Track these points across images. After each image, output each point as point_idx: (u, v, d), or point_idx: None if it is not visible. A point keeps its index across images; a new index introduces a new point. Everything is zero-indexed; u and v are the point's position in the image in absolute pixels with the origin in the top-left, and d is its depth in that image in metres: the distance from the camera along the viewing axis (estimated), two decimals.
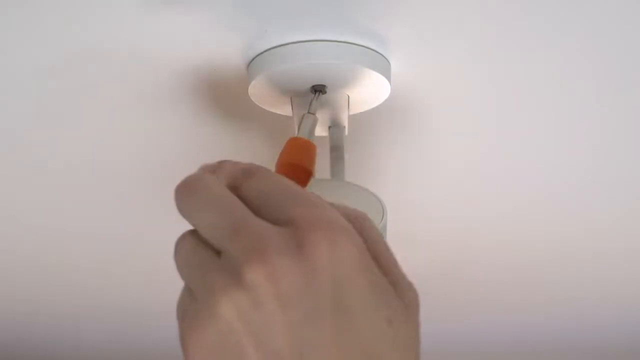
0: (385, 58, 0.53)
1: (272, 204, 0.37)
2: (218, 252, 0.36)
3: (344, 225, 0.36)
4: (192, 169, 0.73)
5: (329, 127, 0.58)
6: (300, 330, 0.34)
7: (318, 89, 0.54)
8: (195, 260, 0.37)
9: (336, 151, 0.57)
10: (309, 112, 0.53)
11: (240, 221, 0.36)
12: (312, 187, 0.51)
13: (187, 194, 0.38)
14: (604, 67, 0.56)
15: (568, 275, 0.95)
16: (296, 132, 0.56)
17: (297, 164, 0.50)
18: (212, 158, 0.68)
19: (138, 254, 0.88)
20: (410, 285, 0.37)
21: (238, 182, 0.38)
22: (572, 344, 1.26)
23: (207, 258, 0.36)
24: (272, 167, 0.68)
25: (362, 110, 0.58)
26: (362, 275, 0.36)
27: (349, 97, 0.55)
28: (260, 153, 0.66)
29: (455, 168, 0.70)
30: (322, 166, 0.55)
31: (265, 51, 0.52)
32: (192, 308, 0.36)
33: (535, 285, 0.99)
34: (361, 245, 0.36)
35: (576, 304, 1.07)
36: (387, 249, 0.38)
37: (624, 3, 0.49)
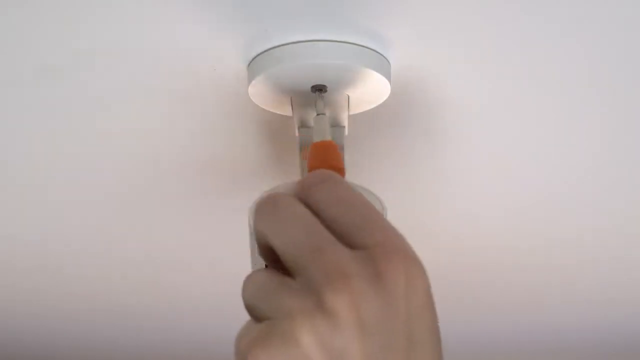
0: (385, 58, 0.53)
1: (350, 225, 0.37)
2: (292, 278, 0.36)
3: (416, 256, 0.37)
4: (191, 169, 0.73)
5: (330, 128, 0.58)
6: (376, 359, 0.34)
7: (318, 89, 0.54)
8: (268, 287, 0.36)
9: None
10: (318, 114, 0.53)
11: (322, 243, 0.36)
12: None
13: (268, 210, 0.38)
14: (604, 68, 0.56)
15: (568, 276, 0.95)
16: (296, 131, 0.57)
17: (328, 166, 0.50)
18: (212, 158, 0.68)
19: (139, 254, 0.88)
20: None
21: (312, 192, 0.38)
22: (572, 344, 1.26)
23: (282, 283, 0.36)
24: (272, 167, 0.68)
25: (362, 110, 0.58)
26: (430, 309, 0.36)
27: (349, 97, 0.55)
28: (260, 153, 0.66)
29: (455, 168, 0.70)
30: None
31: (265, 51, 0.52)
32: (261, 330, 0.35)
33: (535, 285, 0.99)
34: (428, 279, 0.37)
35: (576, 304, 1.07)
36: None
37: (624, 3, 0.49)
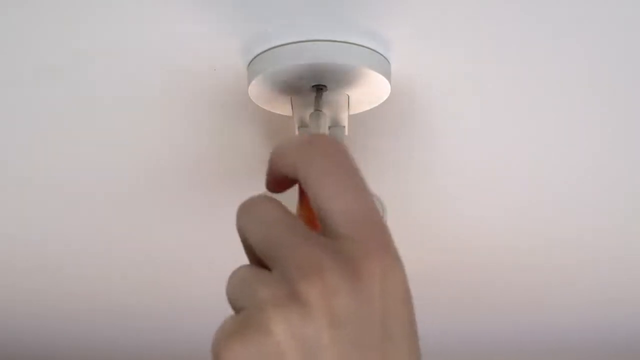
0: (385, 58, 0.53)
1: (332, 213, 0.37)
2: (270, 271, 0.36)
3: (394, 249, 0.36)
4: (191, 169, 0.73)
5: (329, 127, 0.58)
6: (348, 353, 0.34)
7: (318, 89, 0.54)
8: (245, 280, 0.37)
9: None
10: (316, 110, 0.53)
11: (296, 235, 0.36)
12: None
13: (244, 210, 0.39)
14: (604, 68, 0.56)
15: (568, 276, 0.95)
16: (296, 131, 0.57)
17: None
18: (212, 158, 0.68)
19: (139, 254, 0.88)
20: None
21: (307, 166, 0.38)
22: (572, 344, 1.26)
23: (258, 274, 0.36)
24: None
25: (362, 110, 0.58)
26: (406, 305, 0.36)
27: (349, 97, 0.55)
28: (260, 153, 0.66)
29: (455, 168, 0.70)
30: None
31: (265, 51, 0.52)
32: (235, 321, 0.35)
33: (535, 285, 0.99)
34: (405, 274, 0.36)
35: (576, 304, 1.07)
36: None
37: (623, 3, 0.49)
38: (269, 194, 0.41)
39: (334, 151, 0.39)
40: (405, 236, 0.79)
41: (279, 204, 0.38)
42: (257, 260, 0.38)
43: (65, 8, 0.49)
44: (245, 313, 0.35)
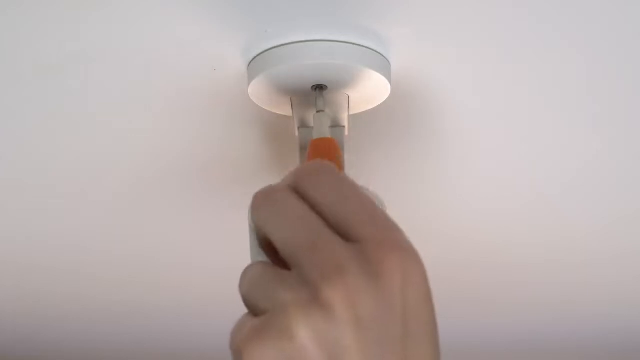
0: (385, 58, 0.53)
1: (346, 216, 0.37)
2: (289, 271, 0.36)
3: (413, 249, 0.37)
4: (191, 168, 0.73)
5: (329, 127, 0.58)
6: (372, 354, 0.34)
7: (318, 88, 0.54)
8: (264, 280, 0.36)
9: None
10: (318, 111, 0.53)
11: (319, 237, 0.36)
12: None
13: (265, 203, 0.38)
14: (604, 68, 0.56)
15: (568, 276, 0.95)
16: (296, 131, 0.57)
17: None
18: (211, 158, 0.68)
19: (139, 254, 0.88)
20: None
21: (309, 183, 0.38)
22: (573, 344, 1.26)
23: (279, 276, 0.36)
24: (272, 167, 0.68)
25: (362, 110, 0.58)
26: (427, 303, 0.36)
27: (349, 97, 0.55)
28: (260, 153, 0.66)
29: (455, 168, 0.70)
30: None
31: (265, 51, 0.52)
32: (256, 324, 0.35)
33: (535, 286, 0.99)
34: (426, 272, 0.37)
35: (576, 304, 1.07)
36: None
37: (624, 3, 0.49)
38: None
39: (325, 166, 0.39)
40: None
41: (295, 197, 0.38)
42: (274, 255, 0.38)
43: (65, 8, 0.49)
44: (268, 316, 0.35)
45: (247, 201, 0.51)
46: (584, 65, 0.56)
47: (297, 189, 0.38)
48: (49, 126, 0.63)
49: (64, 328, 1.17)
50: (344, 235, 0.36)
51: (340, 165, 0.49)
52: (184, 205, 0.76)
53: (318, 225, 0.36)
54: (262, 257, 0.40)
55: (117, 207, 0.76)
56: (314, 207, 0.37)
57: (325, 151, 0.51)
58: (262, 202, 0.39)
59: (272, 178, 0.67)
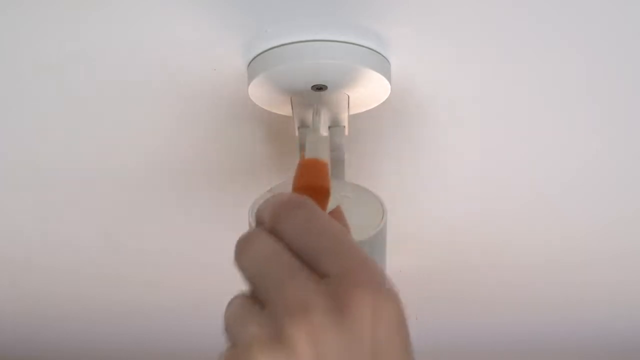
0: (385, 58, 0.53)
1: (318, 253, 0.37)
2: (264, 307, 0.36)
3: (385, 283, 0.36)
4: (191, 169, 0.73)
5: (329, 127, 0.58)
6: None
7: (318, 89, 0.54)
8: (239, 314, 0.37)
9: (336, 151, 0.57)
10: (314, 129, 0.53)
11: (288, 274, 0.36)
12: None
13: (242, 248, 0.39)
14: (603, 68, 0.56)
15: (568, 276, 0.95)
16: (296, 131, 0.57)
17: (314, 185, 0.49)
18: (211, 158, 0.68)
19: (139, 254, 0.88)
20: None
21: (284, 220, 0.38)
22: (573, 344, 1.26)
23: (251, 310, 0.36)
24: (272, 166, 0.68)
25: (362, 110, 0.58)
26: (400, 337, 0.36)
27: (349, 97, 0.55)
28: (260, 153, 0.66)
29: (455, 167, 0.70)
30: None
31: (265, 51, 0.52)
32: (226, 356, 0.36)
33: (535, 286, 0.99)
34: (400, 304, 0.36)
35: (576, 304, 1.07)
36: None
37: (624, 3, 0.49)
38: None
39: (300, 203, 0.39)
40: (405, 235, 0.79)
41: (268, 238, 0.38)
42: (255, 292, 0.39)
43: (64, 8, 0.49)
44: (233, 351, 0.36)
45: (247, 200, 0.52)
46: (584, 65, 0.56)
47: (273, 229, 0.39)
48: (48, 127, 0.63)
49: (64, 328, 1.17)
50: (316, 270, 0.36)
51: (327, 188, 0.48)
52: (183, 204, 0.76)
53: (289, 263, 0.37)
54: None
55: (117, 206, 0.76)
56: (288, 244, 0.38)
57: (312, 174, 0.50)
58: (240, 247, 0.39)
59: (272, 178, 0.67)
